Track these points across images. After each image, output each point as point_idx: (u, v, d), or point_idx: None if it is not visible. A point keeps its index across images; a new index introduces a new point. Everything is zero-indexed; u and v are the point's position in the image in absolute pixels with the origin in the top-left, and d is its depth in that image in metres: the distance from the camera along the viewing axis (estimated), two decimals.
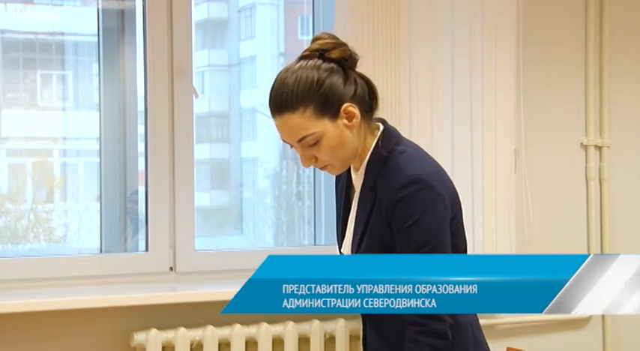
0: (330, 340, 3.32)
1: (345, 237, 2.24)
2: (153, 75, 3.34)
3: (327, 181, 3.65)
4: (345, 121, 2.09)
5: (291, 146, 2.14)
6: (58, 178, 3.75)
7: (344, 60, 2.11)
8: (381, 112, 3.05)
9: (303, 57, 2.13)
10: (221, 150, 3.99)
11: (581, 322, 3.76)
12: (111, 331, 3.18)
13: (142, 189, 3.47)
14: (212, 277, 3.40)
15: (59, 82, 3.77)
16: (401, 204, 2.06)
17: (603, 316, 3.78)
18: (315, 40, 2.15)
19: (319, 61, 2.10)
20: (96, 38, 3.62)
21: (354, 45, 3.14)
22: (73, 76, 3.75)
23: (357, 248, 2.17)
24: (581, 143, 3.76)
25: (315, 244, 3.72)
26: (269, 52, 3.99)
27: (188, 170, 3.38)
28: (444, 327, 2.05)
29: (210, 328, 3.18)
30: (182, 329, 3.15)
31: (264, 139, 4.00)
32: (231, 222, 4.04)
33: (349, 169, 2.23)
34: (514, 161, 3.44)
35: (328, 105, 2.07)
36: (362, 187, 2.16)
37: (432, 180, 2.08)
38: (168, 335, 3.14)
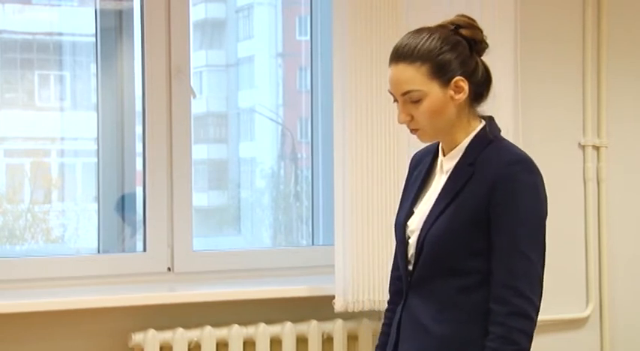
0: (327, 341, 3.32)
1: (415, 213, 2.29)
2: (151, 75, 3.34)
3: (325, 182, 3.65)
4: (452, 92, 2.19)
5: (394, 101, 2.22)
6: (55, 178, 3.75)
7: (473, 41, 2.23)
8: (381, 112, 3.06)
9: (439, 25, 2.24)
10: (219, 150, 3.99)
11: (580, 323, 3.76)
12: (109, 332, 3.18)
13: (139, 189, 3.46)
14: (210, 278, 3.40)
15: (57, 83, 3.77)
16: (512, 178, 2.14)
17: (601, 317, 3.79)
18: (456, 16, 2.27)
19: (451, 33, 2.21)
20: (94, 38, 3.62)
21: (352, 46, 3.18)
22: (71, 76, 3.75)
23: (435, 218, 2.20)
24: (579, 143, 3.76)
25: (312, 245, 3.72)
26: (267, 52, 3.99)
27: (186, 170, 3.38)
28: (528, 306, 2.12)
29: (208, 328, 3.18)
30: (180, 329, 3.15)
31: (262, 140, 4.00)
32: (229, 222, 4.05)
33: (434, 155, 2.32)
34: None
35: (442, 71, 2.17)
36: (457, 163, 2.23)
37: (537, 166, 2.20)
38: (166, 335, 3.13)
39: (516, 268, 2.12)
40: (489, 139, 2.23)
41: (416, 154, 2.45)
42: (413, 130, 2.24)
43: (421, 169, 2.36)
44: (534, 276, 2.13)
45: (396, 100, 2.23)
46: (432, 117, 2.19)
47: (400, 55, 2.19)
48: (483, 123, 2.27)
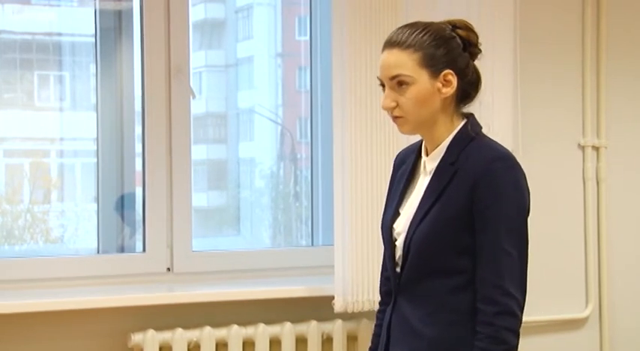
0: (327, 341, 3.32)
1: (401, 215, 2.29)
2: (150, 75, 3.34)
3: (324, 182, 3.65)
4: (440, 85, 2.21)
5: (383, 89, 2.24)
6: (55, 178, 3.75)
7: (467, 42, 2.25)
8: (380, 112, 3.06)
9: (437, 22, 2.28)
10: (218, 150, 3.99)
11: (579, 323, 3.76)
12: (108, 332, 3.18)
13: (139, 190, 3.46)
14: (209, 278, 3.40)
15: (56, 83, 3.77)
16: (493, 175, 2.15)
17: (601, 317, 3.79)
18: (455, 19, 2.31)
19: (447, 30, 2.24)
20: (93, 39, 3.62)
21: (351, 46, 3.18)
22: (70, 76, 3.75)
23: (420, 219, 2.21)
24: (579, 144, 3.76)
25: (312, 245, 3.72)
26: (266, 52, 3.99)
27: (185, 171, 3.38)
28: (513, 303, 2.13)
29: (207, 328, 3.18)
30: (179, 330, 3.15)
31: (262, 140, 4.00)
32: (229, 222, 4.04)
33: (417, 156, 2.32)
34: None
35: (434, 62, 2.20)
36: (439, 163, 2.23)
37: (518, 162, 2.21)
38: (166, 336, 3.13)
39: (501, 266, 2.13)
40: (471, 136, 2.24)
41: (399, 153, 2.45)
42: (395, 118, 2.24)
43: (405, 169, 2.36)
44: (518, 273, 2.15)
45: (382, 86, 2.24)
46: (416, 105, 2.20)
47: (394, 41, 2.22)
48: (465, 121, 2.27)
